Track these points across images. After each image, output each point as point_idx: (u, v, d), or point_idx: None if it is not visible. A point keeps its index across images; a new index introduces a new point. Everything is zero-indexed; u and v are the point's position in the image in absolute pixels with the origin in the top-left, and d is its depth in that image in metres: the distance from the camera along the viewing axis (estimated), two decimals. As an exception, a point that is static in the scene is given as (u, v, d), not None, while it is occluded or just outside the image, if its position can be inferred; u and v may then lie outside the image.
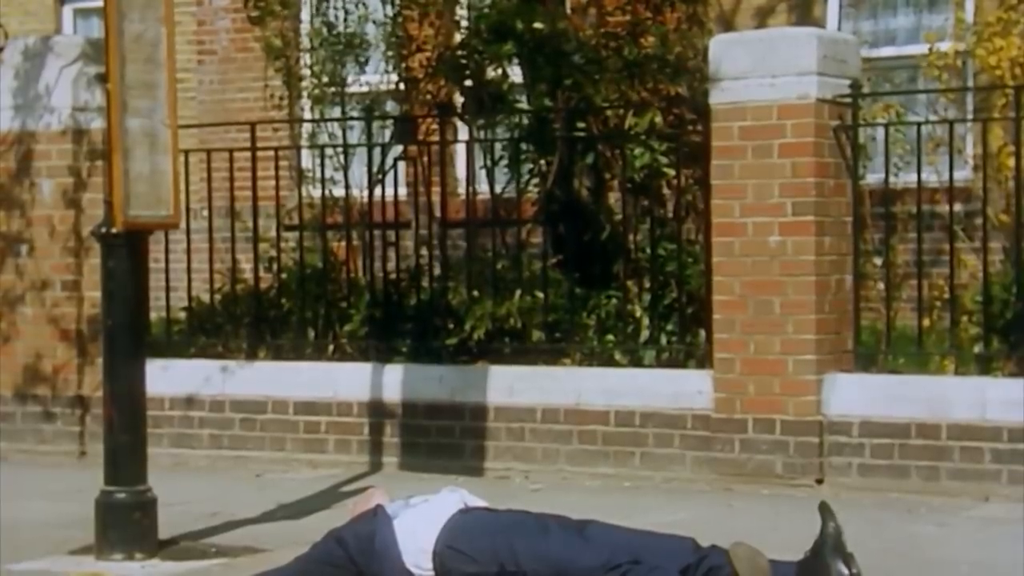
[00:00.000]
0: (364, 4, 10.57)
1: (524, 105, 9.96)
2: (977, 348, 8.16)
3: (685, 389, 8.39)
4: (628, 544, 5.39)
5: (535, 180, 9.83)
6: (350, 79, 10.64)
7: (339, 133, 10.34)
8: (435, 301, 9.37)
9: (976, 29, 9.71)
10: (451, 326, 9.20)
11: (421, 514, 5.61)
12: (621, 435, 8.51)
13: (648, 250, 9.10)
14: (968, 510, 7.44)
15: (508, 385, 8.78)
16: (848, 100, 8.29)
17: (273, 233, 9.80)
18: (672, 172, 9.23)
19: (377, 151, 9.85)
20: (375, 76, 10.71)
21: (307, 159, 10.93)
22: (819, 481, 8.05)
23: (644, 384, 8.52)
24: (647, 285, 9.02)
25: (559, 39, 9.75)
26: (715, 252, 8.28)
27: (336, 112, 10.63)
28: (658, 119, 9.35)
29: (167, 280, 9.86)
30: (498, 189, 9.68)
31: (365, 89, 10.71)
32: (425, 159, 9.87)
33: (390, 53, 10.58)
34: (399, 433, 9.03)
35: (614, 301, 9.04)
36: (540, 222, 9.81)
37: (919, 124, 8.57)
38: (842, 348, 8.23)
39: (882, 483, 7.88)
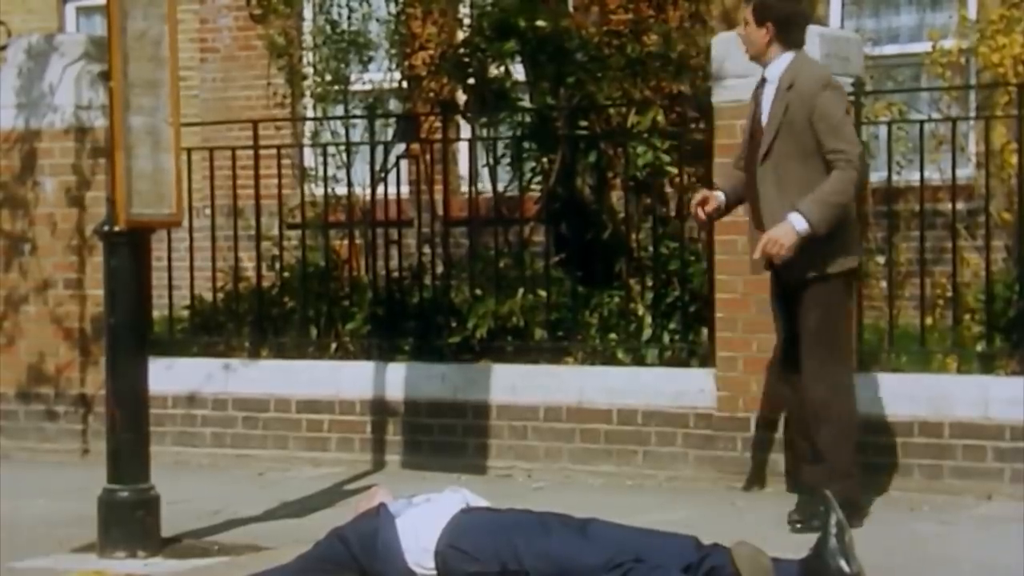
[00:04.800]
0: (367, 2, 10.58)
1: (527, 103, 9.97)
2: (980, 346, 8.15)
3: (688, 387, 8.39)
4: (630, 543, 5.39)
5: (537, 178, 9.83)
6: (353, 77, 10.65)
7: (342, 131, 10.35)
8: (438, 299, 9.38)
9: (979, 27, 9.72)
10: (454, 324, 9.21)
11: (423, 513, 5.61)
12: (623, 434, 8.51)
13: (650, 248, 9.10)
14: (971, 508, 7.44)
15: (510, 383, 8.78)
16: (851, 98, 8.27)
17: (275, 231, 9.79)
18: (675, 170, 9.23)
19: (380, 149, 9.85)
20: (378, 74, 10.72)
21: (310, 157, 10.94)
22: (822, 479, 8.04)
23: (647, 383, 8.52)
24: (649, 283, 9.01)
25: (562, 37, 9.75)
26: (718, 250, 8.28)
27: (339, 110, 10.64)
28: (660, 117, 9.36)
29: (170, 278, 9.87)
30: (501, 187, 9.69)
31: (368, 87, 10.72)
32: (428, 157, 9.89)
33: (393, 51, 10.60)
34: (401, 431, 9.03)
35: (616, 299, 9.04)
36: (542, 220, 9.81)
37: (922, 122, 8.55)
38: (845, 346, 8.23)
39: (884, 481, 7.87)
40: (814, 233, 6.72)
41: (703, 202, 7.15)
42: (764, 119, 6.97)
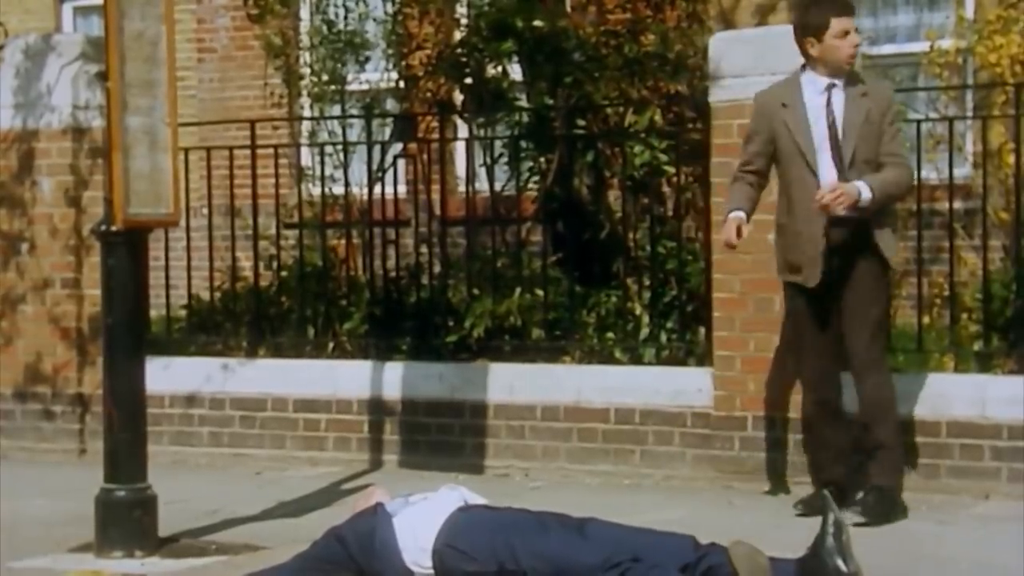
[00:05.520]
0: (364, 2, 10.57)
1: (524, 103, 9.97)
2: (977, 346, 8.16)
3: (685, 387, 8.39)
4: (628, 542, 5.39)
5: (535, 178, 9.83)
6: (350, 77, 10.64)
7: (339, 131, 10.35)
8: (435, 299, 9.38)
9: (976, 27, 9.72)
10: (451, 324, 9.21)
11: (421, 512, 5.61)
12: (621, 433, 8.51)
13: (648, 248, 9.10)
14: (968, 508, 7.44)
15: (508, 383, 8.78)
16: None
17: (273, 231, 9.79)
18: (672, 170, 9.23)
19: (377, 149, 9.85)
20: (375, 74, 10.72)
21: (307, 157, 10.94)
22: (819, 479, 8.05)
23: (644, 382, 8.52)
24: (647, 283, 9.02)
25: (559, 37, 9.75)
26: (715, 250, 8.27)
27: (336, 110, 10.63)
28: (658, 117, 9.36)
29: (167, 278, 9.87)
30: (498, 187, 9.68)
31: (365, 87, 10.72)
32: (425, 157, 9.88)
33: (390, 51, 10.60)
34: (399, 431, 9.03)
35: (614, 299, 9.05)
36: (540, 220, 9.81)
37: (919, 122, 8.56)
38: (842, 346, 8.23)
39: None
40: (868, 206, 6.99)
41: (732, 239, 7.22)
42: (840, 124, 7.12)
